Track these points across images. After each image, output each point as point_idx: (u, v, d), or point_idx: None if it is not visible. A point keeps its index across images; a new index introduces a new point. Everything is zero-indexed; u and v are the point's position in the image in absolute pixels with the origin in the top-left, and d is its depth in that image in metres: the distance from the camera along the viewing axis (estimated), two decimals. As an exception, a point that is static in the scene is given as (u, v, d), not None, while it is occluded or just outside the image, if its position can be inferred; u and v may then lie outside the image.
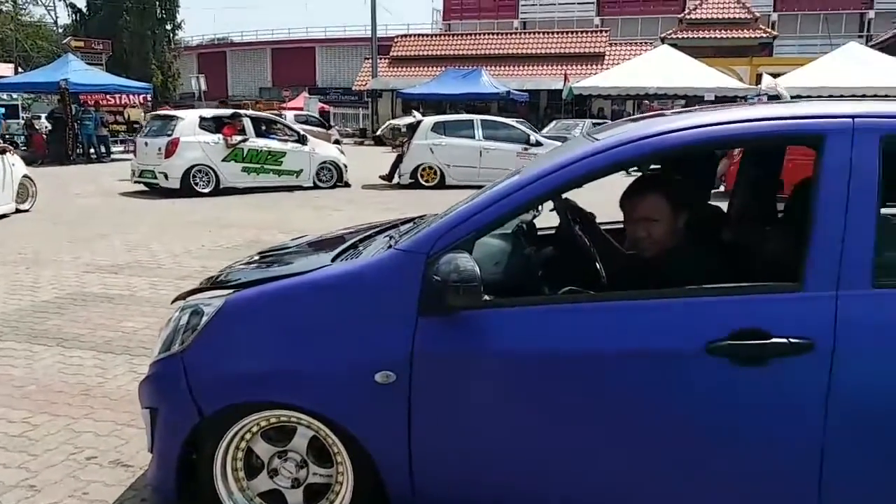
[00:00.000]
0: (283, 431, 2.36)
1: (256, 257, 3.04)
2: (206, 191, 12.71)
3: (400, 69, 32.83)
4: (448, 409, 2.12)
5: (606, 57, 29.93)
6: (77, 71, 20.46)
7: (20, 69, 28.22)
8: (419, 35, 36.59)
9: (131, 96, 22.75)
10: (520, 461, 2.12)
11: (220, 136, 12.96)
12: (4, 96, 22.40)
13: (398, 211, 9.15)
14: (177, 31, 40.44)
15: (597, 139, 2.26)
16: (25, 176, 10.78)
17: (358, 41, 44.09)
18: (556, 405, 2.05)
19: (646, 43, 30.58)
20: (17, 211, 10.44)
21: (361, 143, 30.09)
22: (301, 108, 29.76)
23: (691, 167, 2.75)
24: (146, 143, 13.20)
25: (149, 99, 23.06)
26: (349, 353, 2.14)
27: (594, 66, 28.57)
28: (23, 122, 23.47)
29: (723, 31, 28.39)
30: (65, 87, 18.79)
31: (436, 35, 37.56)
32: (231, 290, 2.44)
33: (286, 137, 13.97)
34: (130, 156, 15.52)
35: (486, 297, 2.07)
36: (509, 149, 13.85)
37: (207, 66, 43.99)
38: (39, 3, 35.20)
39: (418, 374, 2.07)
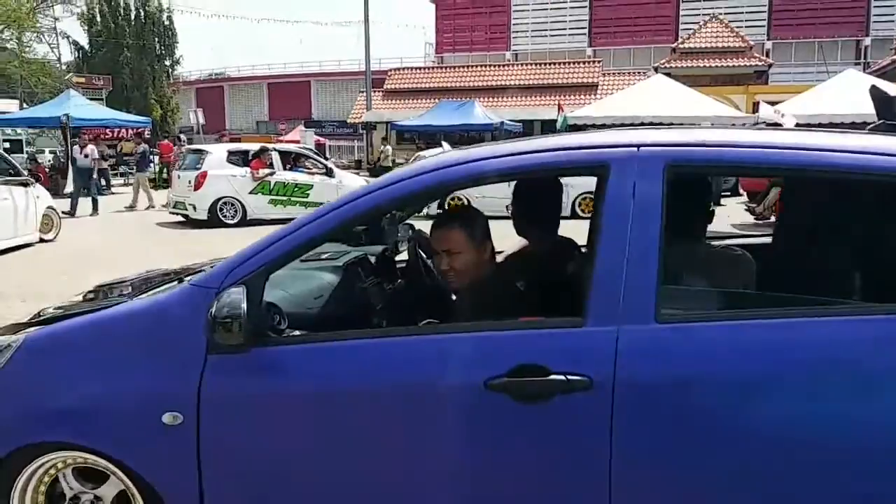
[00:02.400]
0: (96, 472, 2.29)
1: (90, 293, 2.94)
2: (233, 222, 13.16)
3: (394, 101, 33.28)
4: (237, 451, 2.08)
5: (600, 87, 30.28)
6: (78, 106, 20.80)
7: (25, 105, 28.60)
8: (412, 68, 37.10)
9: (128, 130, 23.07)
10: (314, 500, 2.10)
11: (248, 169, 13.37)
12: (9, 131, 22.70)
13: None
14: (175, 67, 40.95)
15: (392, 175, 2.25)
16: (50, 207, 11.30)
17: (352, 75, 44.69)
18: (342, 443, 2.01)
19: (639, 73, 30.99)
20: (42, 241, 10.89)
21: (357, 174, 30.34)
22: (297, 141, 30.14)
23: (536, 199, 2.71)
24: (179, 176, 13.95)
25: (148, 132, 23.38)
26: (138, 392, 2.09)
27: (588, 96, 28.92)
28: (26, 156, 23.86)
29: (717, 60, 28.80)
30: (66, 122, 19.12)
31: (429, 68, 38.11)
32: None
33: (314, 170, 14.32)
34: (128, 189, 15.92)
35: (295, 333, 2.08)
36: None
37: (206, 100, 44.55)
38: (43, 40, 35.58)
39: (206, 415, 2.03)
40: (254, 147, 14.51)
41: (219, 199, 13.23)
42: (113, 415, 2.12)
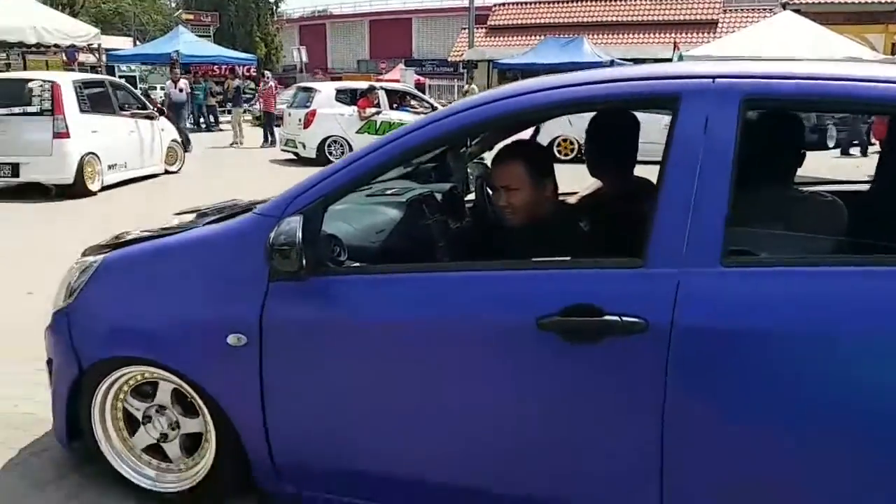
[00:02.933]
0: (153, 385, 2.43)
1: (189, 216, 2.95)
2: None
3: (497, 38, 32.22)
4: (299, 374, 2.11)
5: (720, 24, 28.30)
6: (188, 42, 21.19)
7: (137, 42, 29.44)
8: (518, 3, 35.71)
9: (236, 67, 23.26)
10: (368, 429, 2.10)
11: (355, 108, 13.30)
12: (124, 68, 23.39)
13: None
14: (279, 4, 41.32)
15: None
16: (174, 140, 11.99)
17: (455, 11, 43.67)
18: (397, 374, 2.03)
19: (764, 10, 28.68)
20: (167, 172, 11.57)
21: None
22: (398, 80, 29.75)
23: (609, 137, 2.62)
24: (290, 114, 14.12)
25: (253, 70, 23.56)
26: (206, 313, 2.17)
27: (706, 34, 27.07)
28: (139, 92, 24.54)
29: (855, -5, 26.19)
30: (176, 58, 19.43)
31: (535, 3, 36.59)
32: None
33: (420, 109, 14.07)
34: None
35: (355, 264, 2.10)
36: None
37: (308, 39, 44.75)
38: (154, -23, 36.44)
39: (268, 339, 2.08)
40: (362, 86, 14.36)
41: (327, 138, 13.23)
42: (182, 333, 2.21)
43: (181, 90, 16.44)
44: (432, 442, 2.06)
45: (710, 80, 1.83)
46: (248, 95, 23.07)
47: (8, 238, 6.94)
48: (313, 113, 13.29)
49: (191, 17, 29.66)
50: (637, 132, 2.66)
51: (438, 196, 3.17)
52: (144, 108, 11.30)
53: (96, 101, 10.02)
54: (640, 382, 1.78)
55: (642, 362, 1.76)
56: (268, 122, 17.01)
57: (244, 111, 18.98)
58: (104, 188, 9.83)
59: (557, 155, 13.64)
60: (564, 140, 13.88)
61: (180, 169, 11.96)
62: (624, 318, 1.74)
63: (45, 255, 5.65)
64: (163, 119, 11.85)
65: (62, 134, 9.17)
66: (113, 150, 10.02)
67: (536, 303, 1.83)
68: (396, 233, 2.73)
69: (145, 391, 2.45)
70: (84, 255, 2.61)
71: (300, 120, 13.45)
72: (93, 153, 9.59)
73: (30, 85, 9.33)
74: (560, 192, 2.60)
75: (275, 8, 41.18)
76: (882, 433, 1.64)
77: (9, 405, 3.22)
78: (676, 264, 1.75)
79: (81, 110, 9.55)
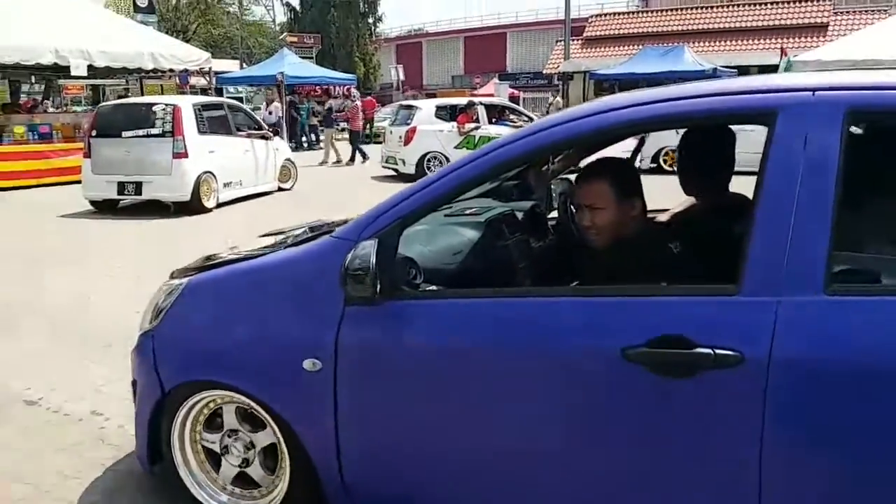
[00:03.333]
0: (219, 414, 2.43)
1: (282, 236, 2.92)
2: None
3: (594, 50, 31.82)
4: (372, 400, 2.09)
5: (831, 27, 26.93)
6: (292, 64, 21.99)
7: (244, 65, 30.87)
8: (615, 13, 35.28)
9: (337, 87, 23.97)
10: (440, 458, 2.07)
11: (454, 124, 13.57)
12: (231, 89, 24.53)
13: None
14: (378, 24, 42.29)
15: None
16: (288, 159, 12.65)
17: (549, 24, 43.54)
18: (469, 402, 1.97)
19: (878, 11, 27.16)
20: (280, 189, 12.19)
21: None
22: (492, 94, 29.87)
23: (703, 152, 2.52)
24: (391, 132, 14.60)
25: (354, 89, 24.24)
26: (282, 338, 2.16)
27: (815, 38, 25.83)
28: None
29: (978, -8, 24.43)
30: (281, 79, 20.18)
31: (633, 13, 36.00)
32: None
33: (519, 123, 14.20)
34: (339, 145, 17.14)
35: (432, 288, 2.07)
36: None
37: (405, 57, 45.60)
38: (260, 3, 38.33)
39: (343, 364, 2.06)
40: (461, 101, 14.49)
41: (426, 154, 13.52)
42: (259, 358, 2.21)
43: (271, 112, 17.09)
44: (506, 474, 1.99)
45: (810, 92, 1.73)
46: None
47: (127, 252, 7.40)
48: (413, 130, 13.60)
49: (295, 39, 30.83)
50: (733, 146, 2.55)
51: (519, 215, 3.09)
52: (260, 128, 11.83)
53: (214, 122, 10.61)
54: (736, 419, 1.68)
55: (738, 398, 1.66)
56: (353, 139, 17.32)
57: (339, 130, 19.52)
58: (219, 205, 10.34)
59: (663, 166, 13.35)
60: (672, 151, 13.51)
61: (293, 186, 12.47)
62: (717, 351, 1.64)
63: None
64: (277, 139, 12.44)
65: (181, 154, 9.77)
66: (228, 168, 10.56)
67: (622, 332, 1.75)
68: (474, 254, 2.67)
69: (216, 423, 2.46)
70: (172, 276, 2.64)
71: (401, 137, 13.77)
72: (209, 172, 10.13)
73: (154, 108, 9.99)
74: (653, 208, 2.52)
75: (373, 28, 42.15)
76: None
77: (114, 423, 3.32)
78: (775, 292, 1.64)
79: (200, 131, 10.13)
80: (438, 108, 14.35)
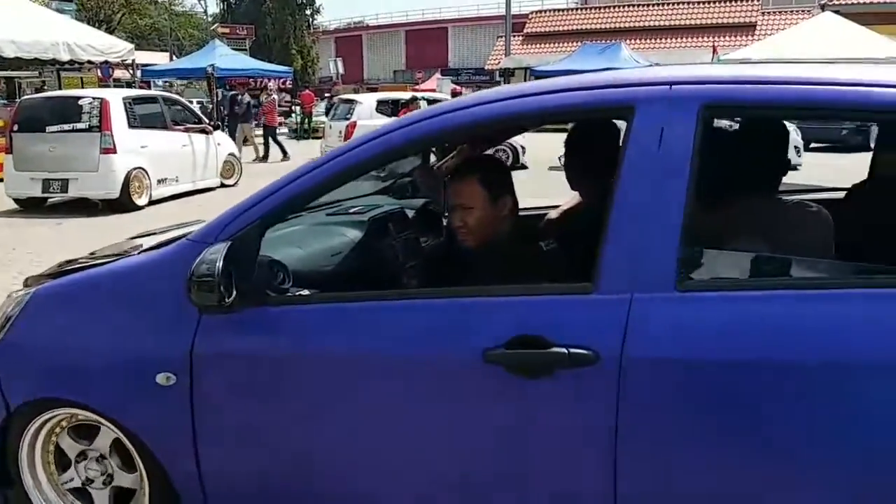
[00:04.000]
0: (90, 429, 2.24)
1: (125, 243, 2.75)
2: (383, 174, 12.88)
3: (534, 46, 32.11)
4: (232, 413, 1.98)
5: (759, 27, 27.89)
6: (223, 56, 21.32)
7: (174, 57, 29.95)
8: (555, 10, 35.66)
9: (273, 80, 23.48)
10: (309, 471, 1.99)
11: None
12: (160, 83, 23.75)
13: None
14: (315, 16, 41.72)
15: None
16: (231, 154, 12.14)
17: (491, 19, 43.67)
18: (329, 409, 1.89)
19: (802, 11, 28.19)
20: (223, 185, 11.58)
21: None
22: (433, 90, 29.81)
23: (587, 147, 2.45)
24: (330, 126, 14.33)
25: (289, 83, 23.78)
26: (134, 351, 2.02)
27: (745, 37, 26.68)
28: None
29: (896, -6, 25.51)
30: (212, 72, 19.62)
31: (572, 9, 36.45)
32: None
33: None
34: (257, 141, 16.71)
35: (301, 292, 1.98)
36: None
37: (344, 50, 45.10)
38: (191, -7, 37.09)
39: (199, 376, 1.93)
40: (404, 96, 14.35)
41: None
42: (107, 373, 2.06)
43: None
44: (377, 481, 1.94)
45: (668, 86, 1.70)
46: (284, 108, 23.25)
47: (43, 252, 7.03)
48: (353, 125, 13.37)
49: (226, 30, 30.09)
50: (616, 140, 2.39)
51: (411, 213, 2.98)
52: (199, 122, 11.40)
53: (147, 116, 10.18)
54: (593, 417, 1.65)
55: (593, 396, 1.64)
56: (268, 135, 16.67)
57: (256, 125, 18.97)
58: (153, 202, 9.94)
59: None
60: None
61: (237, 182, 11.99)
62: (572, 350, 1.61)
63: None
64: (218, 133, 11.97)
65: (109, 150, 9.33)
66: (162, 164, 10.16)
67: (483, 334, 1.70)
68: (354, 255, 2.56)
69: (84, 433, 2.26)
70: (26, 284, 2.43)
71: (341, 132, 13.52)
72: (141, 168, 9.72)
73: (80, 102, 9.51)
74: (548, 205, 2.49)
75: (311, 20, 41.55)
76: (847, 470, 1.54)
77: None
78: (628, 289, 1.62)
79: (130, 126, 9.70)
80: (380, 102, 14.20)
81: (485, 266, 2.12)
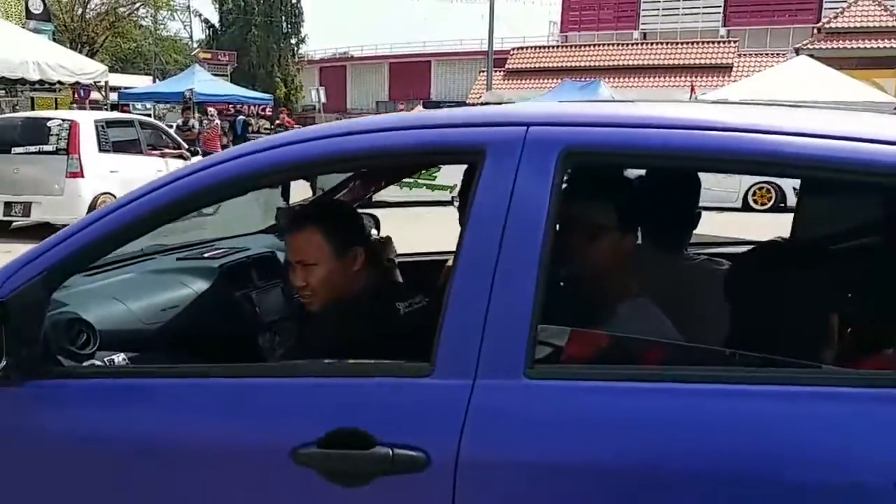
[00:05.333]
0: None
1: None
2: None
3: (515, 81, 32.43)
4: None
5: (735, 68, 28.43)
6: (202, 81, 21.34)
7: (157, 81, 29.87)
8: (536, 47, 36.09)
9: (252, 107, 23.50)
10: None
11: None
12: (139, 106, 23.64)
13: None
14: (301, 45, 41.98)
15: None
16: None
17: (473, 54, 44.12)
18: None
19: (777, 54, 28.81)
20: (199, 213, 10.85)
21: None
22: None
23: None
24: None
25: (269, 109, 23.79)
26: None
27: (721, 78, 27.16)
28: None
29: (867, 41, 26.18)
30: (190, 96, 19.57)
31: (553, 47, 36.93)
32: None
33: None
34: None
35: (117, 358, 1.70)
36: None
37: (328, 80, 45.24)
38: (177, 18, 37.43)
39: None
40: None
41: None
42: None
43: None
44: None
45: (524, 127, 1.42)
46: (261, 135, 23.20)
47: None
48: None
49: (208, 56, 30.22)
50: None
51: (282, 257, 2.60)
52: (178, 147, 11.20)
53: (121, 140, 9.98)
54: None
55: None
56: None
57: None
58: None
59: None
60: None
61: (216, 211, 11.69)
62: (397, 451, 1.31)
63: None
64: (196, 158, 11.80)
65: (76, 173, 9.16)
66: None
67: (295, 427, 1.39)
68: (189, 312, 2.18)
69: None
70: None
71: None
72: (109, 193, 9.46)
73: (49, 124, 9.35)
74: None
75: (296, 49, 41.78)
76: None
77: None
78: (469, 374, 1.32)
79: (101, 149, 9.52)
80: None
81: (316, 336, 1.80)
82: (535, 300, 1.32)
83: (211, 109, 18.91)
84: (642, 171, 1.96)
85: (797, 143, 1.33)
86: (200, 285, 2.28)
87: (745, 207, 12.56)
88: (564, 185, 1.43)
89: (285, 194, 2.67)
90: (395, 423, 1.34)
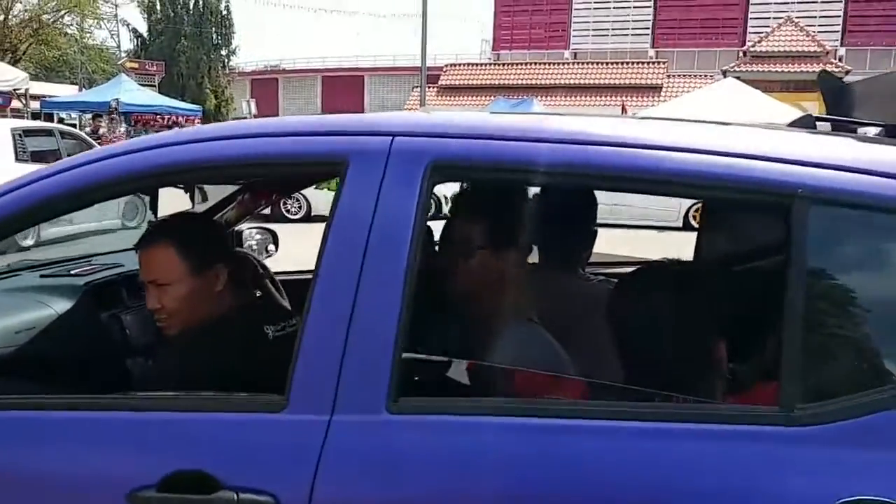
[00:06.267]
0: None
1: None
2: (297, 217, 12.38)
3: (449, 98, 32.63)
4: None
5: (664, 89, 29.33)
6: (129, 91, 20.76)
7: (83, 91, 28.83)
8: (468, 64, 36.43)
9: (181, 118, 22.88)
10: None
11: None
12: (64, 115, 22.76)
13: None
14: (231, 57, 41.36)
15: None
16: (136, 195, 10.93)
17: (406, 70, 44.23)
18: None
19: (705, 76, 29.85)
20: (124, 227, 10.56)
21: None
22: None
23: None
24: None
25: (198, 121, 23.17)
26: None
27: (650, 98, 28.00)
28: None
29: (790, 65, 27.40)
30: (115, 106, 18.94)
31: (485, 64, 37.38)
32: None
33: None
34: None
35: None
36: None
37: (260, 92, 44.58)
38: (104, 27, 36.37)
39: None
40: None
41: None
42: None
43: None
44: None
45: (389, 137, 1.32)
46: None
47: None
48: None
49: (135, 65, 29.43)
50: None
51: None
52: None
53: (39, 150, 9.48)
54: None
55: None
56: None
57: None
58: (39, 244, 9.18)
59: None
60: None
61: (140, 224, 11.27)
62: (242, 496, 1.19)
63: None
64: None
65: (-10, 183, 8.63)
66: (53, 203, 9.46)
67: (132, 466, 1.26)
68: (47, 334, 1.98)
69: None
70: None
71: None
72: (25, 205, 9.02)
73: None
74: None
75: (227, 61, 41.12)
76: None
77: None
78: (326, 408, 1.21)
79: (18, 159, 9.00)
80: None
81: (167, 363, 1.65)
82: (398, 325, 1.20)
83: (103, 119, 18.16)
84: (537, 187, 1.83)
85: (674, 159, 1.25)
86: (63, 305, 2.06)
87: (686, 227, 12.23)
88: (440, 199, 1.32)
89: (153, 206, 2.45)
90: (242, 465, 1.21)
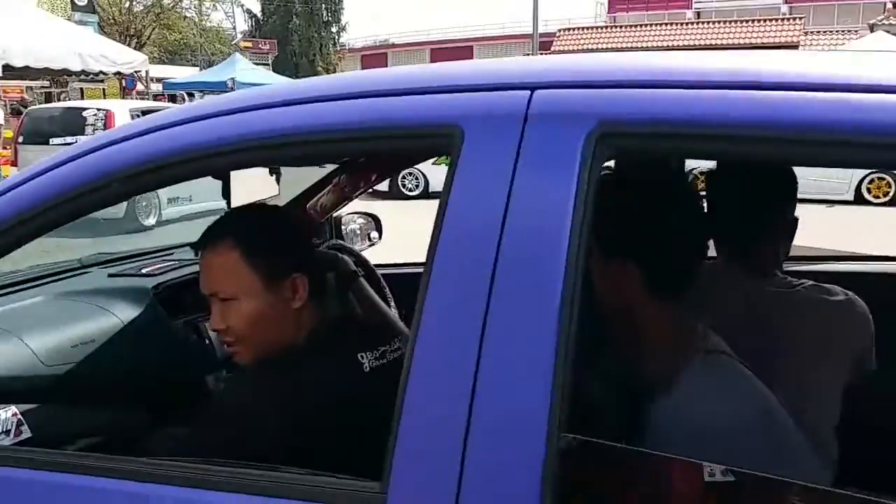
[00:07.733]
0: None
1: None
2: (414, 194, 12.54)
3: (563, 65, 31.72)
4: None
5: (801, 48, 27.15)
6: (244, 70, 21.37)
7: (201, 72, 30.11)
8: (583, 28, 35.22)
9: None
10: None
11: None
12: (188, 95, 23.71)
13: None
14: (341, 34, 42.19)
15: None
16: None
17: (516, 38, 43.54)
18: None
19: (848, 32, 27.44)
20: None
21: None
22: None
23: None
24: None
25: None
26: None
27: (788, 57, 26.08)
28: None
29: (946, 14, 24.67)
30: (231, 86, 19.46)
31: (601, 27, 35.98)
32: None
33: None
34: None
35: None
36: None
37: (370, 67, 45.15)
38: (220, 9, 37.78)
39: None
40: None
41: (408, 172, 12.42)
42: None
43: None
44: None
45: (527, 92, 0.89)
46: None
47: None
48: None
49: (249, 44, 30.65)
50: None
51: None
52: None
53: (158, 128, 9.67)
54: None
55: None
56: None
57: None
58: (161, 223, 9.27)
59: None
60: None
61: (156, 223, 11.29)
62: None
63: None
64: None
65: (113, 165, 8.76)
66: (174, 182, 9.62)
67: None
68: (109, 349, 1.64)
69: None
70: None
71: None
72: (148, 186, 9.16)
73: (84, 113, 9.24)
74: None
75: (337, 38, 41.96)
76: None
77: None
78: (437, 490, 0.84)
79: (140, 140, 9.15)
80: None
81: (220, 412, 1.29)
82: (553, 387, 0.80)
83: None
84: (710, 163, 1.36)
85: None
86: (130, 313, 1.70)
87: (858, 200, 10.70)
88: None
89: (225, 193, 1.97)
90: None
